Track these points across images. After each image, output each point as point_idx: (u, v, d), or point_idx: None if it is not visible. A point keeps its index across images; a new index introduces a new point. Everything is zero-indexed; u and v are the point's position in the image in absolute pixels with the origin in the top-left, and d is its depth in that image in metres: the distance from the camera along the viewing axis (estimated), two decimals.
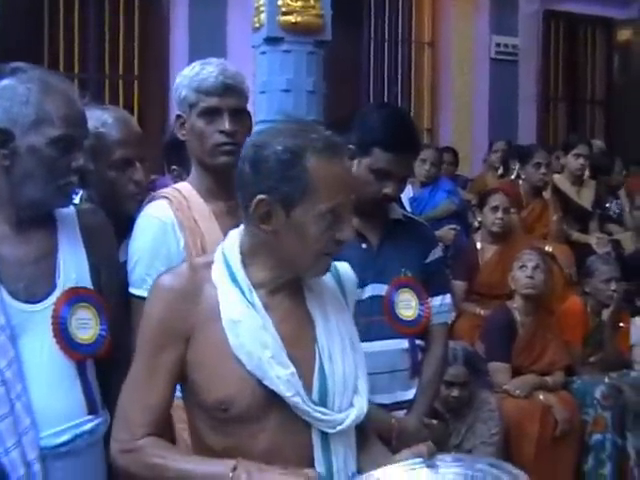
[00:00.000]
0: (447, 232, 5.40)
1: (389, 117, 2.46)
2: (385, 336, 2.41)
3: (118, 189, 2.35)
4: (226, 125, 2.23)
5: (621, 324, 4.76)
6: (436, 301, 2.52)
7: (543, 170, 5.22)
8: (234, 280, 1.69)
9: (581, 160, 5.53)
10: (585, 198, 5.64)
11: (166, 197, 2.27)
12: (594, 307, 4.63)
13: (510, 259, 4.57)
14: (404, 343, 2.45)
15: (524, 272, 4.29)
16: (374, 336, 2.37)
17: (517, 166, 5.57)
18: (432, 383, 2.51)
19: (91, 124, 2.29)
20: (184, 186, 2.33)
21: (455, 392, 3.78)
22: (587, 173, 5.76)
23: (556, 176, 5.67)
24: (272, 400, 1.64)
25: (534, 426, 4.06)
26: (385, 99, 8.01)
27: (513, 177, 5.79)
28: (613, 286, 4.55)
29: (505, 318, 4.33)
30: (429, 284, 2.50)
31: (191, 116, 2.27)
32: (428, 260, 2.53)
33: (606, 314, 4.61)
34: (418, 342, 2.49)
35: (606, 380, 4.40)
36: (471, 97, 8.16)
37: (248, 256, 1.71)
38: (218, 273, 1.70)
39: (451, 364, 3.72)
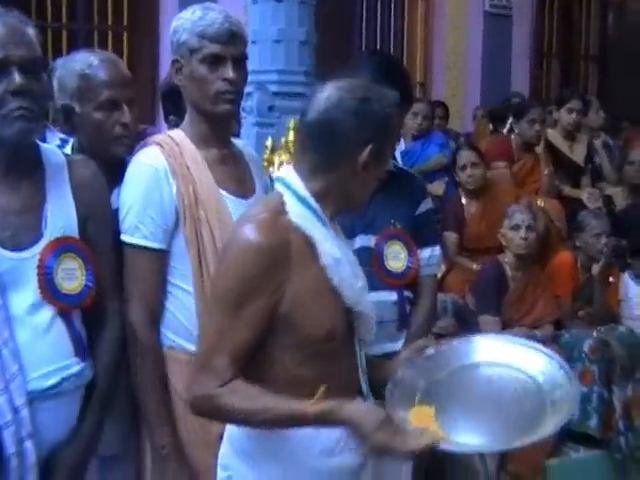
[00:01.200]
0: (438, 186, 5.38)
1: (380, 66, 2.43)
2: (373, 287, 2.34)
3: (105, 132, 2.32)
4: (230, 73, 2.22)
5: (611, 279, 4.78)
6: (425, 253, 2.52)
7: (537, 127, 5.24)
8: (322, 222, 1.82)
9: (574, 115, 5.53)
10: (577, 153, 5.63)
11: (158, 144, 2.25)
12: (584, 262, 4.65)
13: (494, 212, 4.63)
14: (392, 295, 2.46)
15: (518, 233, 4.28)
16: None
17: (510, 120, 5.56)
18: (420, 335, 2.50)
19: (78, 66, 2.29)
20: (176, 133, 2.31)
21: None
22: None
23: (549, 131, 5.65)
24: (349, 327, 1.87)
25: None
26: None
27: (505, 131, 5.76)
28: (603, 240, 4.56)
29: (496, 272, 4.34)
30: (418, 236, 2.50)
31: (191, 61, 2.23)
32: (418, 212, 2.53)
33: (596, 269, 4.61)
34: (406, 294, 2.49)
35: (594, 334, 4.40)
36: (464, 52, 8.09)
37: (316, 199, 1.82)
38: (305, 219, 1.80)
39: (441, 317, 3.74)
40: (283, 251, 1.76)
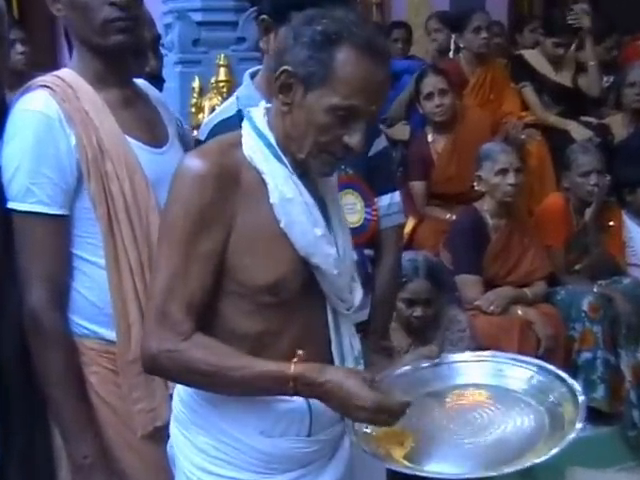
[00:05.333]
0: (401, 129, 5.36)
1: None
2: None
3: None
4: None
5: (611, 223, 4.80)
6: (384, 201, 2.52)
7: (484, 34, 5.39)
8: (278, 159, 1.88)
9: (561, 50, 5.60)
10: (564, 75, 5.66)
11: (46, 86, 2.19)
12: (577, 205, 4.66)
13: (465, 146, 4.69)
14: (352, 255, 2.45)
15: (505, 178, 4.27)
16: None
17: (453, 37, 5.70)
18: (387, 298, 2.54)
19: None
20: (67, 73, 2.25)
21: (418, 311, 3.79)
22: None
23: (527, 51, 5.70)
24: (308, 281, 1.91)
25: (512, 346, 4.07)
26: None
27: (451, 54, 5.80)
28: (593, 180, 4.56)
29: (473, 222, 4.36)
30: (374, 181, 2.50)
31: None
32: (371, 153, 2.51)
33: (589, 213, 4.62)
34: (367, 252, 2.49)
35: (594, 289, 4.46)
36: None
37: (279, 136, 1.90)
38: (257, 152, 1.88)
39: (412, 279, 3.74)
40: (231, 182, 1.84)
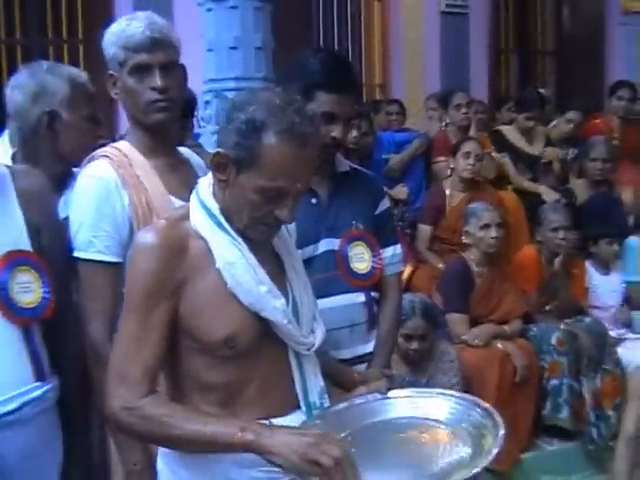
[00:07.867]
0: (400, 190, 5.37)
1: (328, 59, 2.43)
2: (342, 291, 2.40)
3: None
4: (157, 82, 2.22)
5: (574, 270, 4.83)
6: (387, 252, 2.52)
7: (464, 110, 5.52)
8: (221, 227, 1.81)
9: (531, 123, 5.68)
10: (536, 146, 5.73)
11: (106, 156, 2.25)
12: (547, 256, 4.69)
13: None
14: (360, 296, 2.45)
15: (489, 232, 4.30)
16: (332, 291, 2.37)
17: (443, 116, 5.76)
18: (390, 334, 2.52)
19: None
20: (123, 144, 2.31)
21: (415, 345, 3.80)
22: None
23: (504, 127, 5.79)
24: (264, 332, 1.83)
25: (494, 374, 4.11)
26: None
27: (443, 127, 5.79)
28: (561, 235, 4.60)
29: (462, 269, 4.37)
30: (380, 235, 2.50)
31: (122, 74, 2.25)
32: (378, 211, 2.52)
33: (558, 263, 4.67)
34: (373, 294, 2.49)
35: (561, 326, 4.47)
36: (422, 51, 8.07)
37: (220, 203, 1.84)
38: (202, 223, 1.82)
39: (410, 317, 3.74)
40: (178, 252, 1.78)
